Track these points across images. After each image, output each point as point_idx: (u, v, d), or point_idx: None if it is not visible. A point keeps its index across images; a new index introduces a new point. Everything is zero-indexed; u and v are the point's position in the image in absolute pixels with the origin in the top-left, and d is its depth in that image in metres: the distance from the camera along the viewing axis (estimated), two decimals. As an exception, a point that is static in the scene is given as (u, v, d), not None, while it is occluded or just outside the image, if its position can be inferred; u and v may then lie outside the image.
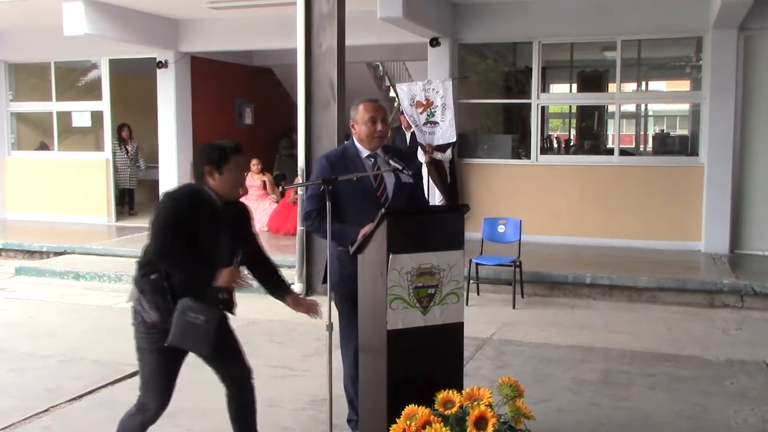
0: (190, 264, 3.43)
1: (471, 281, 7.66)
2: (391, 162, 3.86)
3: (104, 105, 12.62)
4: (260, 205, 11.81)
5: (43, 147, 13.70)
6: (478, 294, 7.98)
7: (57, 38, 10.84)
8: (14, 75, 13.53)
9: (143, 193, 15.21)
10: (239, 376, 3.73)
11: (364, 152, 4.00)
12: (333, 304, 3.85)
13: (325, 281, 3.87)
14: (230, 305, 3.73)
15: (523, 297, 7.82)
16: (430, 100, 10.16)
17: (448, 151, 10.13)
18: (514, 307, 7.49)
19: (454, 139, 10.14)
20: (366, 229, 3.55)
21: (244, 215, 3.68)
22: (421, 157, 9.76)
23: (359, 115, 3.96)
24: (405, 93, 10.25)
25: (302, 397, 4.98)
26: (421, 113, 10.19)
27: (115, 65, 12.61)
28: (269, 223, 11.54)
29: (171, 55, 12.00)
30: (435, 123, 10.14)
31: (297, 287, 8.11)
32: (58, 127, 13.20)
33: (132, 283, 3.54)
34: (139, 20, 11.07)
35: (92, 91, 12.98)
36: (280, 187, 11.80)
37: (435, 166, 9.92)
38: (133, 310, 3.53)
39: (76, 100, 13.23)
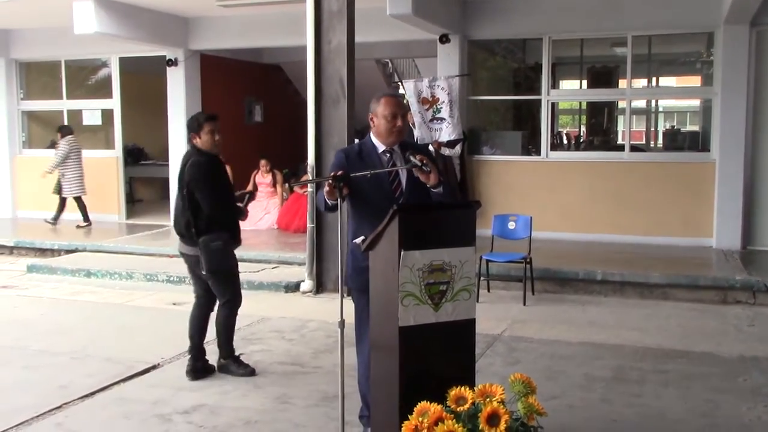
0: (222, 209, 5.10)
1: (481, 278, 7.64)
2: (411, 158, 3.83)
3: (114, 103, 12.67)
4: (270, 203, 11.84)
5: (54, 145, 13.75)
6: (488, 291, 7.97)
7: (67, 37, 10.89)
8: (25, 73, 13.60)
9: (153, 190, 15.30)
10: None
11: (381, 147, 3.97)
12: (345, 300, 3.84)
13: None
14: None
15: (533, 294, 7.80)
16: (435, 97, 10.14)
17: (457, 147, 10.13)
18: (524, 304, 7.48)
19: (462, 136, 10.13)
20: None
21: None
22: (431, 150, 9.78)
23: (380, 108, 3.91)
24: (411, 90, 10.25)
25: (313, 393, 4.98)
26: (427, 110, 10.18)
27: (126, 63, 12.65)
28: (278, 221, 11.55)
29: (181, 53, 12.03)
30: (441, 119, 10.13)
31: (307, 284, 8.12)
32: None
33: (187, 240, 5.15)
34: (149, 18, 11.09)
35: (102, 90, 13.03)
36: (288, 185, 11.82)
37: (443, 161, 9.91)
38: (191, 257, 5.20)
39: (86, 98, 13.27)
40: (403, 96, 10.00)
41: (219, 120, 5.22)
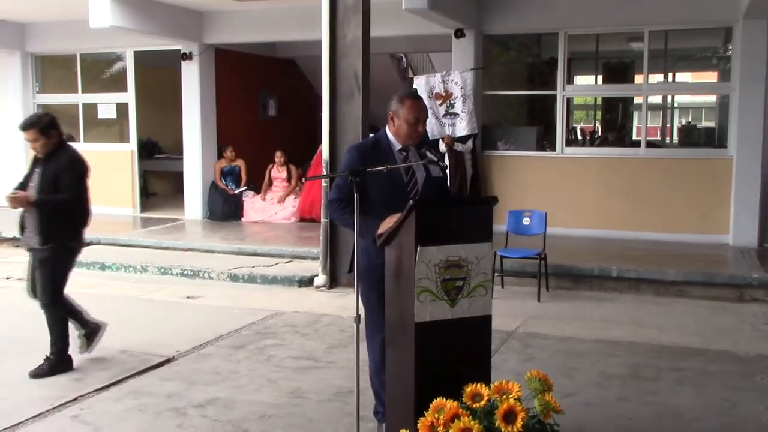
0: None
1: (495, 274, 7.60)
2: (428, 154, 3.80)
3: (129, 97, 12.70)
4: (286, 199, 11.82)
5: (69, 139, 13.69)
6: (502, 287, 7.93)
7: (83, 30, 10.93)
8: (40, 67, 13.66)
9: (167, 184, 15.34)
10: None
11: (397, 146, 3.94)
12: (359, 295, 3.82)
13: (351, 270, 3.81)
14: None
15: (548, 290, 7.77)
16: (449, 92, 10.11)
17: (469, 142, 10.10)
18: (539, 300, 7.45)
19: (476, 131, 10.09)
20: (387, 223, 3.54)
21: (54, 161, 5.40)
22: (441, 146, 9.75)
23: (403, 111, 3.86)
24: (423, 85, 10.21)
25: (327, 388, 4.97)
26: (440, 105, 10.14)
27: (140, 57, 12.68)
28: (301, 212, 11.49)
29: (195, 47, 12.04)
30: (455, 114, 10.10)
31: (321, 279, 8.12)
32: (83, 119, 13.30)
33: None
34: (164, 12, 11.11)
35: (117, 83, 13.07)
36: (302, 179, 11.79)
37: (455, 156, 9.89)
38: None
39: (101, 91, 13.31)
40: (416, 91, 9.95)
41: (30, 129, 5.35)
